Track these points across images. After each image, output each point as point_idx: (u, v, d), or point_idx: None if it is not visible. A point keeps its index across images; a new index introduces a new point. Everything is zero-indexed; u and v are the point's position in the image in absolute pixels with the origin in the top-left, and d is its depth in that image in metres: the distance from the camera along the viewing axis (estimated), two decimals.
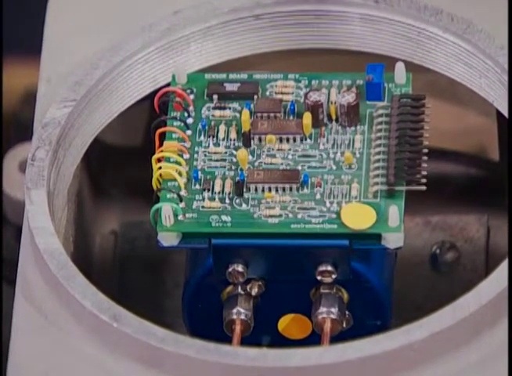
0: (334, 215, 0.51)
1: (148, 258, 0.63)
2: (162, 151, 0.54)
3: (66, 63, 0.58)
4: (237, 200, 0.52)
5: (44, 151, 0.54)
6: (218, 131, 0.55)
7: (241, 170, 0.53)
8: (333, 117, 0.55)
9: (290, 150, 0.54)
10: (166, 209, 0.51)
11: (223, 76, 0.57)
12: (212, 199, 0.52)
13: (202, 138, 0.55)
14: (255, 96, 0.56)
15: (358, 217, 0.51)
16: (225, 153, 0.54)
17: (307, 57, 0.62)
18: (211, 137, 0.55)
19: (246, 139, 0.54)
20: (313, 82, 0.56)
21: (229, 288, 0.53)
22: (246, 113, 0.54)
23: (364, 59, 0.58)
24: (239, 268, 0.51)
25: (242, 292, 0.53)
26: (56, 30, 0.60)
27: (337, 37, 0.60)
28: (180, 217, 0.52)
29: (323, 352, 0.46)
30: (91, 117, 0.58)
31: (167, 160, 0.53)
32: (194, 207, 0.52)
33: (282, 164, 0.53)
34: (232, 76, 0.57)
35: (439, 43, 0.58)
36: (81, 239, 0.60)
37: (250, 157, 0.54)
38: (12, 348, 0.49)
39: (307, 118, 0.54)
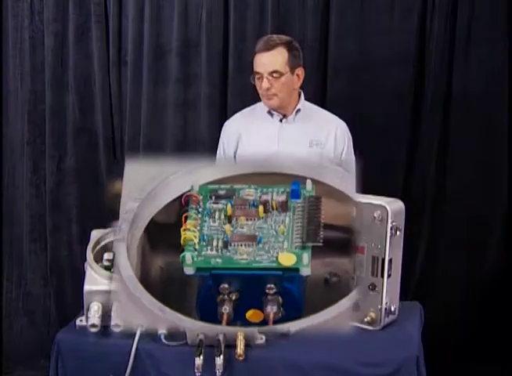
0: (275, 258, 0.83)
1: (178, 280, 0.87)
2: (186, 226, 0.85)
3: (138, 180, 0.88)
4: (224, 251, 0.83)
5: (125, 226, 0.87)
6: (215, 216, 0.86)
7: (227, 235, 0.84)
8: (274, 207, 0.87)
9: (252, 225, 0.85)
10: (188, 256, 0.82)
11: (217, 186, 0.89)
12: (212, 250, 0.83)
13: (206, 218, 0.86)
14: (234, 197, 0.87)
15: (287, 259, 0.82)
16: (218, 226, 0.85)
17: (262, 177, 0.91)
18: (211, 218, 0.86)
19: (229, 220, 0.86)
20: (264, 190, 0.89)
21: (221, 296, 0.84)
22: (229, 206, 0.86)
23: (291, 178, 0.89)
24: (226, 285, 0.83)
25: (227, 298, 0.84)
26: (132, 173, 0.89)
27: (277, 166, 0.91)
28: (195, 259, 0.82)
29: (269, 328, 0.81)
30: (149, 208, 0.89)
31: (189, 230, 0.85)
32: (202, 254, 0.83)
33: (247, 232, 0.85)
34: (222, 186, 0.89)
35: (328, 171, 0.90)
36: (143, 271, 0.89)
37: (231, 228, 0.85)
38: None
39: (260, 209, 0.86)
